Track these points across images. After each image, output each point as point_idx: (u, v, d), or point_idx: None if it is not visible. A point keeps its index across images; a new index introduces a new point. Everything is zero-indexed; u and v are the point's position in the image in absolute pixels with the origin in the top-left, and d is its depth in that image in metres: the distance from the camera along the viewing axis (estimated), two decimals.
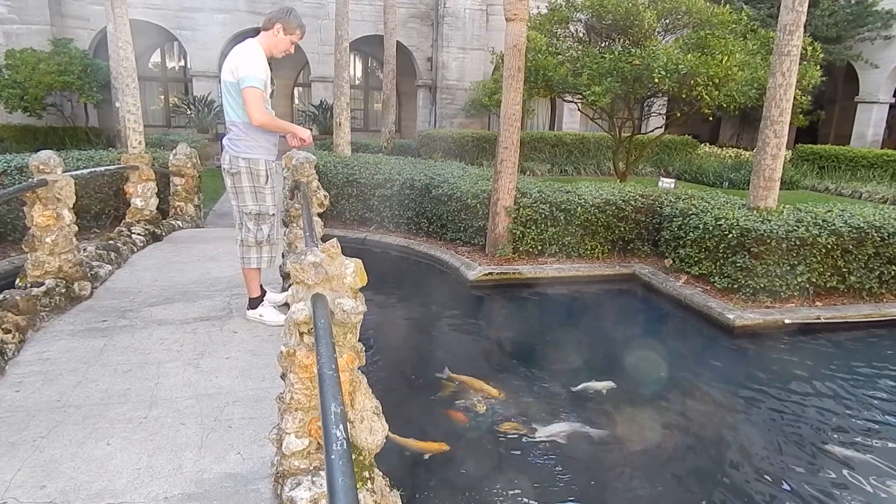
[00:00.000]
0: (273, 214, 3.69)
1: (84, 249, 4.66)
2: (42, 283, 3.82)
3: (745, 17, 10.03)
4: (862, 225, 5.73)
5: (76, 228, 4.22)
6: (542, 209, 6.77)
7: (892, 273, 5.88)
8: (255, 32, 3.54)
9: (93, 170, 6.03)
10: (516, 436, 3.58)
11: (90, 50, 14.76)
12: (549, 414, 3.86)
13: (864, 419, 3.96)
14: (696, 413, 4.02)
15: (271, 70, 3.53)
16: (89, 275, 4.28)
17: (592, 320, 5.95)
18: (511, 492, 3.06)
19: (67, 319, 3.70)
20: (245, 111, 3.39)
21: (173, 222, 6.80)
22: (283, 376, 2.12)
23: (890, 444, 3.64)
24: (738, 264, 5.68)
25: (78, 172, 5.07)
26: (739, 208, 6.24)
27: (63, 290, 3.88)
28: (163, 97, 18.34)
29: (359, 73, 19.90)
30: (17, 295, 3.53)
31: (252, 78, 3.28)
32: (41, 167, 3.95)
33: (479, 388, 4.07)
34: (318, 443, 2.05)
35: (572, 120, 18.34)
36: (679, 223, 6.50)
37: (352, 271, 1.99)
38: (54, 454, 2.29)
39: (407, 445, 3.35)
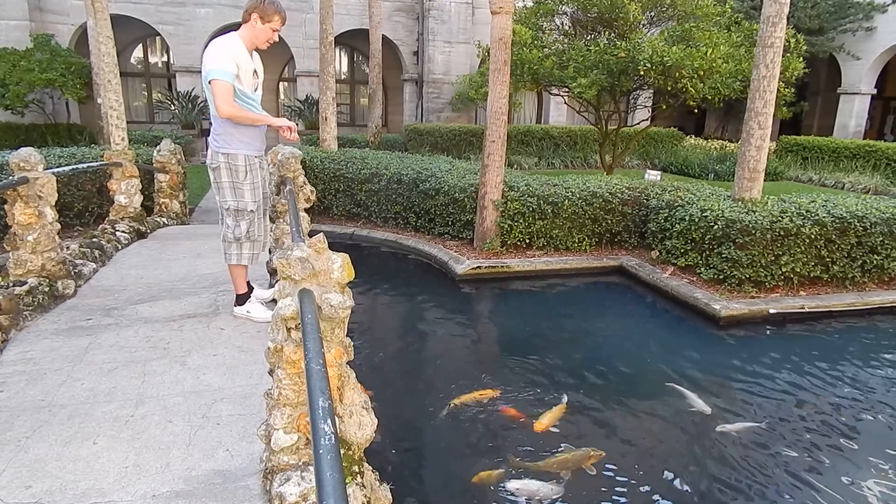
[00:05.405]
0: (252, 211, 3.61)
1: (67, 247, 4.60)
2: (25, 282, 3.76)
3: (729, 10, 10.11)
4: (845, 215, 5.81)
5: (59, 226, 4.16)
6: (530, 202, 6.79)
7: (875, 262, 5.98)
8: (239, 26, 3.50)
9: (75, 167, 5.93)
10: None
11: (70, 45, 14.51)
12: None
13: (854, 406, 4.03)
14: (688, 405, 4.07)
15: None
16: (73, 273, 4.22)
17: (581, 313, 5.97)
18: None
19: (51, 318, 3.65)
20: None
21: (158, 219, 6.73)
22: (271, 372, 2.11)
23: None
24: (723, 255, 5.74)
25: (60, 170, 4.99)
26: (724, 200, 6.30)
27: (46, 289, 3.83)
28: (146, 93, 18.09)
29: (344, 68, 19.76)
30: None
31: (216, 70, 3.21)
32: (22, 165, 3.89)
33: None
34: (307, 438, 2.05)
35: (559, 113, 18.37)
36: (665, 215, 6.54)
37: (339, 266, 1.98)
38: (40, 454, 2.27)
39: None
